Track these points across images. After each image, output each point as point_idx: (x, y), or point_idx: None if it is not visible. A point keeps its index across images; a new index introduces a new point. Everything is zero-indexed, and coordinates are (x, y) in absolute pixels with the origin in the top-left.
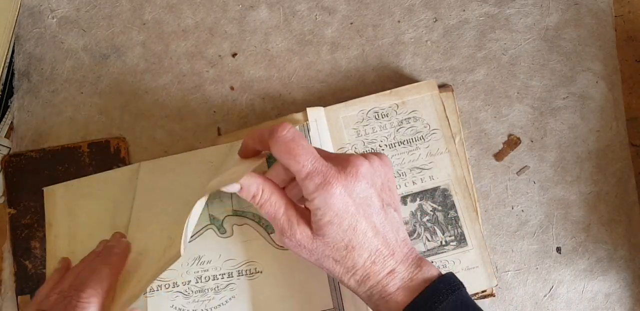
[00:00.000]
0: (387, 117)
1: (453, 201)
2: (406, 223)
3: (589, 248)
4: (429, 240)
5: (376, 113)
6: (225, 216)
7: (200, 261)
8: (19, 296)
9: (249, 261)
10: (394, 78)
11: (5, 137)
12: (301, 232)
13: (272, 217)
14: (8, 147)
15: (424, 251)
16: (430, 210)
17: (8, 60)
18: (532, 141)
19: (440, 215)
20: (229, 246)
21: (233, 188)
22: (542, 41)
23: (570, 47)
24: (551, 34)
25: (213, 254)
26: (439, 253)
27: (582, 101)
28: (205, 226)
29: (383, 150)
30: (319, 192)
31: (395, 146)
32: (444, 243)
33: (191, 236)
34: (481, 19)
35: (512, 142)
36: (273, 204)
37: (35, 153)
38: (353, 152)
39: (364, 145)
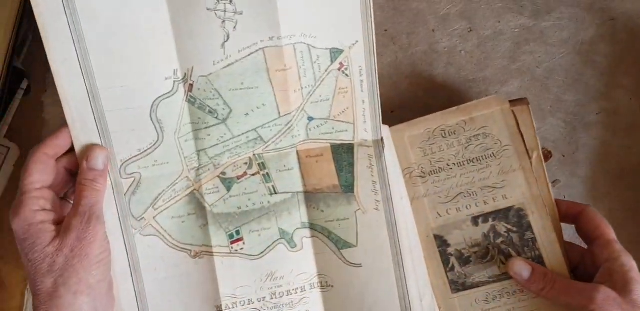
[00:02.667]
0: (455, 135)
1: (529, 222)
2: (478, 245)
3: None
4: (503, 263)
5: (443, 131)
6: (295, 229)
7: (274, 277)
8: None
9: (320, 274)
10: (427, 87)
11: (4, 137)
12: None
13: None
14: (7, 147)
15: (499, 275)
16: (505, 232)
17: (8, 60)
18: (563, 155)
19: (515, 237)
20: (300, 260)
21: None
22: (577, 55)
23: (604, 63)
24: (586, 49)
25: (285, 270)
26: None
27: (614, 117)
28: (276, 240)
29: (451, 168)
30: None
31: (464, 164)
32: None
33: (261, 252)
34: (516, 30)
35: (544, 156)
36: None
37: None
38: (420, 172)
39: (431, 164)
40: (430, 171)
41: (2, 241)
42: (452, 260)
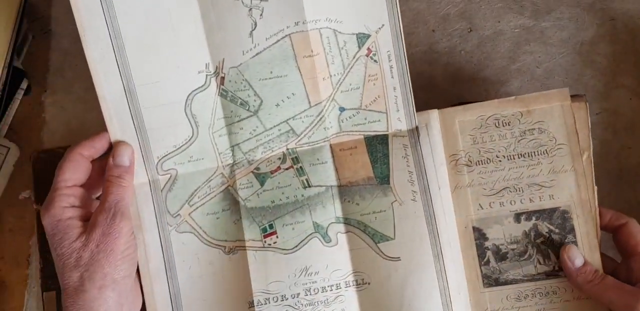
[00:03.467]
0: (509, 126)
1: (573, 225)
2: (517, 242)
3: None
4: (540, 263)
5: (497, 121)
6: (330, 224)
7: (308, 272)
8: (44, 293)
9: (355, 271)
10: (427, 87)
11: (4, 137)
12: None
13: None
14: (7, 147)
15: (534, 274)
16: (546, 232)
17: (8, 60)
18: None
19: (556, 238)
20: (335, 256)
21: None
22: (577, 55)
23: (604, 63)
24: (586, 49)
25: (320, 265)
26: (549, 278)
27: (614, 117)
28: (310, 234)
29: (500, 161)
30: None
31: (514, 158)
32: (557, 268)
33: (295, 246)
34: (516, 30)
35: None
36: None
37: (63, 149)
38: (467, 161)
39: (480, 154)
40: (478, 161)
41: (2, 241)
42: (489, 254)
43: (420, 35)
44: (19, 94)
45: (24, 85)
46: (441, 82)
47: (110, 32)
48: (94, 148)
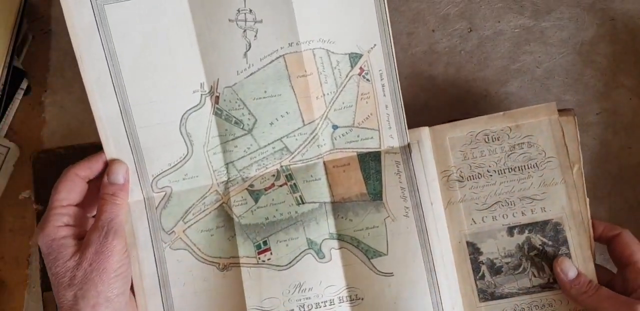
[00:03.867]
0: (498, 141)
1: (566, 237)
2: (511, 255)
3: None
4: (534, 276)
5: (486, 136)
6: (323, 240)
7: (302, 288)
8: (44, 293)
9: (349, 287)
10: (427, 87)
11: (4, 137)
12: None
13: None
14: (7, 147)
15: (529, 287)
16: (540, 245)
17: (8, 60)
18: None
19: (550, 251)
20: (328, 272)
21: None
22: (577, 55)
23: (604, 63)
24: (586, 49)
25: (314, 281)
26: (544, 291)
27: (614, 117)
28: (304, 250)
29: (491, 175)
30: None
31: (504, 172)
32: (551, 280)
33: (289, 262)
34: (516, 30)
35: None
36: None
37: (63, 149)
38: (459, 176)
39: (471, 169)
40: (469, 176)
41: (2, 241)
42: (483, 268)
43: (420, 35)
44: (19, 94)
45: (24, 85)
46: (441, 82)
47: (106, 53)
48: (90, 169)
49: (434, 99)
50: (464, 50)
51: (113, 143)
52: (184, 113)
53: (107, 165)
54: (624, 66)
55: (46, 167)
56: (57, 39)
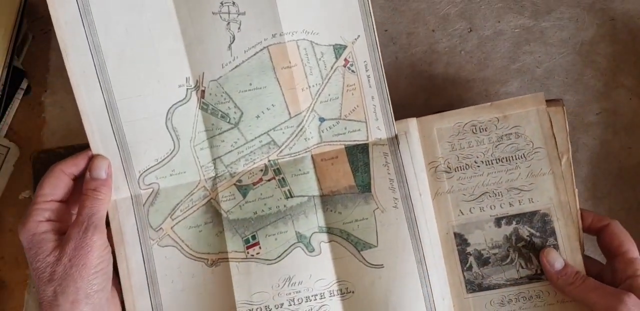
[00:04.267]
0: (486, 132)
1: (554, 228)
2: (499, 246)
3: None
4: (522, 267)
5: (474, 127)
6: (312, 233)
7: (291, 282)
8: None
9: (339, 280)
10: (427, 87)
11: (4, 137)
12: None
13: None
14: (7, 147)
15: (517, 279)
16: (527, 236)
17: (8, 60)
18: None
19: (537, 242)
20: (318, 265)
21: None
22: (577, 55)
23: (604, 63)
24: (586, 49)
25: (303, 274)
26: (532, 282)
27: (614, 117)
28: (293, 244)
29: (479, 166)
30: None
31: (492, 163)
32: (539, 271)
33: (278, 256)
34: (516, 30)
35: None
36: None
37: (63, 149)
38: (446, 167)
39: (458, 160)
40: (457, 167)
41: (2, 241)
42: (471, 259)
43: (420, 35)
44: (19, 94)
45: (24, 85)
46: (441, 82)
47: (90, 46)
48: (76, 165)
49: (434, 99)
50: (464, 50)
51: (99, 139)
52: (170, 108)
53: (92, 151)
54: (624, 66)
55: (46, 167)
56: (57, 38)
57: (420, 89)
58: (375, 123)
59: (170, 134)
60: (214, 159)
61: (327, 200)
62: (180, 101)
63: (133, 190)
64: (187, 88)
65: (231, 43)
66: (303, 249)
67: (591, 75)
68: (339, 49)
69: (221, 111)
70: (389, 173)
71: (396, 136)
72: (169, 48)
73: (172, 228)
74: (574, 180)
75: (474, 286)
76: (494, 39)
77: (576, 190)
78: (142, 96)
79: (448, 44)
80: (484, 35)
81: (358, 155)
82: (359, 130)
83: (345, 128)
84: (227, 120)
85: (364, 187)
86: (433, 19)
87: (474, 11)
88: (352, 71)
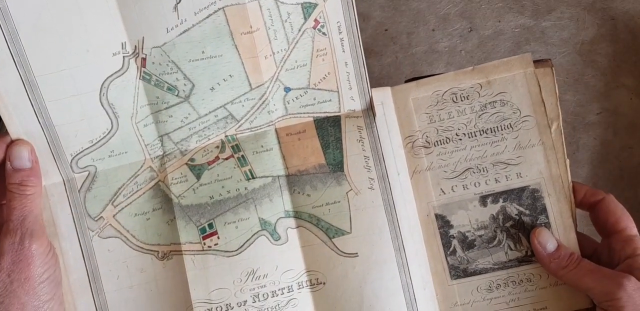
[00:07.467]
0: (468, 100)
1: (544, 204)
2: (485, 227)
3: None
4: (511, 249)
5: (454, 95)
6: (278, 219)
7: (255, 276)
8: None
9: (309, 270)
10: None
11: None
12: None
13: None
14: None
15: (505, 262)
16: (516, 214)
17: None
18: None
19: (527, 220)
20: (284, 255)
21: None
22: (577, 55)
23: (605, 63)
24: (586, 49)
25: (269, 266)
26: (522, 265)
27: (615, 117)
28: (256, 232)
29: (461, 139)
30: None
31: (475, 135)
32: (529, 253)
33: (240, 247)
34: (516, 30)
35: None
36: None
37: None
38: (424, 142)
39: (438, 133)
40: (436, 141)
41: None
42: (454, 242)
43: (421, 35)
44: None
45: None
46: None
47: None
48: None
49: None
50: (464, 50)
51: (18, 122)
52: (104, 81)
53: (11, 136)
54: (625, 66)
55: None
56: None
57: None
58: (348, 93)
59: (107, 112)
60: (161, 136)
61: (294, 180)
62: (116, 72)
63: (65, 174)
64: (124, 56)
65: (177, 3)
66: (268, 237)
67: (591, 75)
68: (308, 8)
69: (167, 83)
70: (364, 150)
71: (372, 107)
72: (98, 9)
73: (114, 216)
74: (565, 151)
75: (459, 272)
76: (494, 39)
77: (568, 161)
78: (67, 70)
79: (448, 44)
80: (484, 35)
81: (329, 129)
82: (330, 100)
83: (314, 99)
84: (176, 93)
85: (336, 165)
86: (433, 19)
87: (474, 11)
88: (323, 34)
